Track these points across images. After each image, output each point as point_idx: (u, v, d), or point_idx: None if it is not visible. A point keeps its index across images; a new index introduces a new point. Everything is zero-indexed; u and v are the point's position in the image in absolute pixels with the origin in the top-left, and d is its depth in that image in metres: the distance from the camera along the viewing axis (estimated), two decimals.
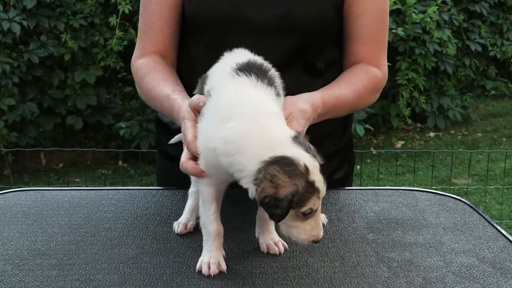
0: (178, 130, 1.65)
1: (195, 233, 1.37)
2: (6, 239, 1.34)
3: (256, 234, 1.29)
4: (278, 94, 1.23)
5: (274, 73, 1.26)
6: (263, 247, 1.27)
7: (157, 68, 1.56)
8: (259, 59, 1.26)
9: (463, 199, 1.61)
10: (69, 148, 5.47)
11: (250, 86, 1.18)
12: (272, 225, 1.27)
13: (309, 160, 1.10)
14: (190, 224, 1.39)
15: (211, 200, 1.21)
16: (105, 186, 5.01)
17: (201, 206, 1.23)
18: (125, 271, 1.20)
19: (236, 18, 1.50)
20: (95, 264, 1.23)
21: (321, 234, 1.14)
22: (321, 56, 1.59)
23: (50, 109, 5.45)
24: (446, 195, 1.64)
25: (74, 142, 5.94)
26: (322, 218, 1.42)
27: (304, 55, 1.54)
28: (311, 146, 1.14)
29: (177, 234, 1.37)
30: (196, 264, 1.22)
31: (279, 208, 1.07)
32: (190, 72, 1.55)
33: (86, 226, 1.41)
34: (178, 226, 1.39)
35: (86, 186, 4.75)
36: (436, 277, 1.20)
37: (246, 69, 1.19)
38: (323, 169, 1.67)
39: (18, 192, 1.62)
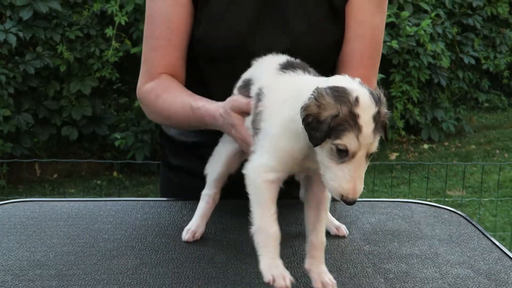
0: (184, 143, 1.66)
1: (194, 243, 1.38)
2: (6, 250, 1.35)
3: (307, 266, 1.19)
4: None
5: (310, 68, 1.28)
6: (319, 285, 1.17)
7: (170, 86, 1.52)
8: (293, 59, 1.29)
9: (458, 211, 1.63)
10: (64, 159, 5.47)
11: (304, 77, 1.20)
12: (323, 254, 1.19)
13: (364, 97, 1.03)
14: (199, 233, 1.39)
15: (273, 201, 1.14)
16: (100, 197, 5.00)
17: (256, 206, 1.14)
18: (124, 282, 1.21)
19: (241, 50, 1.50)
20: (94, 275, 1.24)
21: (355, 192, 1.04)
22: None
23: (46, 119, 5.46)
24: (441, 207, 1.66)
25: (69, 152, 5.94)
26: (343, 229, 1.43)
27: None
28: (381, 95, 1.06)
29: (185, 241, 1.37)
30: (195, 275, 1.23)
31: (319, 131, 1.02)
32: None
33: (85, 237, 1.42)
34: (187, 233, 1.39)
35: (82, 197, 4.74)
36: None
37: (290, 66, 1.22)
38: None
39: (17, 203, 1.63)
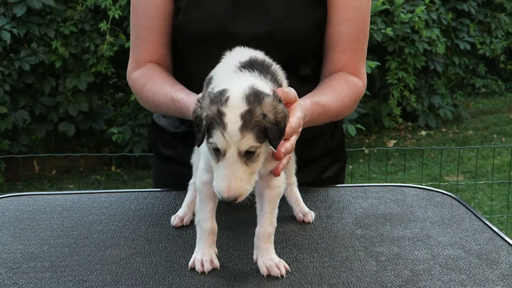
0: (174, 133, 1.68)
1: (186, 233, 1.39)
2: (0, 243, 1.35)
3: (255, 256, 1.22)
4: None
5: (276, 67, 1.30)
6: (263, 270, 1.19)
7: (154, 75, 1.58)
8: (260, 55, 1.29)
9: (450, 194, 1.64)
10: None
11: (254, 79, 1.20)
12: (271, 245, 1.22)
13: (235, 97, 1.07)
14: (187, 218, 1.42)
15: (209, 199, 1.22)
16: None
17: (197, 203, 1.24)
18: (117, 271, 1.22)
19: (221, 35, 1.52)
20: (88, 266, 1.25)
21: (229, 191, 1.07)
22: (305, 64, 1.61)
23: (42, 116, 5.46)
24: (434, 190, 1.66)
25: (66, 148, 5.95)
26: (310, 216, 1.45)
27: (288, 66, 1.56)
28: (263, 98, 1.09)
29: (173, 226, 1.41)
30: (187, 263, 1.24)
31: (200, 132, 1.09)
32: (185, 83, 1.56)
33: (79, 229, 1.43)
34: (175, 219, 1.42)
35: None
36: (423, 270, 1.22)
37: (249, 66, 1.22)
38: (312, 169, 1.69)
39: (11, 198, 1.64)
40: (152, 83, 1.56)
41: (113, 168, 5.74)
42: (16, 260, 1.28)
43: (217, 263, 1.22)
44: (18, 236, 1.39)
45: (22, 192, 5.01)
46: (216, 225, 1.24)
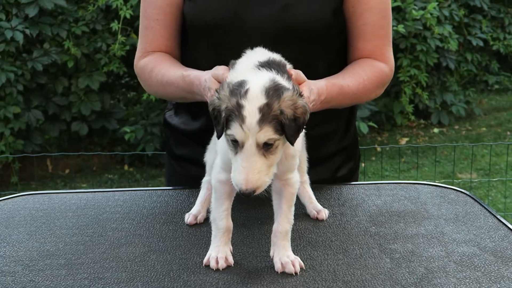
0: (187, 132, 1.69)
1: (200, 230, 1.40)
2: (16, 241, 1.37)
3: (271, 253, 1.23)
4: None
5: (291, 67, 1.32)
6: (278, 266, 1.20)
7: (162, 60, 1.60)
8: (277, 57, 1.30)
9: (464, 191, 1.63)
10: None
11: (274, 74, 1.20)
12: (288, 242, 1.23)
13: (254, 89, 1.08)
14: (201, 216, 1.43)
15: (225, 197, 1.23)
16: None
17: (213, 201, 1.25)
18: (132, 269, 1.23)
19: (234, 22, 1.52)
20: (103, 263, 1.26)
21: (247, 183, 1.07)
22: (323, 59, 1.60)
23: (55, 116, 5.49)
24: (447, 187, 1.66)
25: (79, 148, 5.98)
26: (324, 213, 1.45)
27: (304, 58, 1.56)
28: (283, 92, 1.10)
29: (187, 224, 1.41)
30: (202, 261, 1.24)
31: (219, 123, 1.09)
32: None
33: (94, 227, 1.44)
34: (189, 216, 1.43)
35: None
36: (437, 267, 1.22)
37: (267, 65, 1.22)
38: (327, 167, 1.69)
39: (26, 196, 1.65)
40: (161, 66, 1.57)
41: (125, 167, 5.77)
42: (32, 258, 1.29)
43: (231, 260, 1.23)
44: (34, 234, 1.41)
45: (36, 191, 5.05)
46: (232, 223, 1.25)
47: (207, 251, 1.25)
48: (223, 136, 1.13)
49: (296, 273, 1.19)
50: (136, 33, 5.42)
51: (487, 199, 4.67)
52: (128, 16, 5.19)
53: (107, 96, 5.68)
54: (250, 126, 1.07)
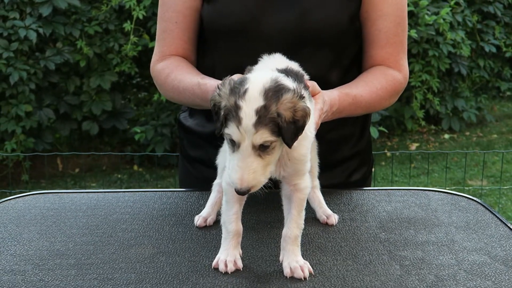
0: (201, 134, 1.69)
1: (210, 233, 1.40)
2: (26, 240, 1.38)
3: (281, 257, 1.23)
4: (311, 99, 1.27)
5: (307, 77, 1.32)
6: (287, 271, 1.20)
7: (179, 65, 1.60)
8: (295, 66, 1.31)
9: (475, 199, 1.62)
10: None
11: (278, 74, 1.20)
12: (297, 247, 1.23)
13: (253, 90, 1.08)
14: (210, 219, 1.43)
15: (235, 200, 1.23)
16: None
17: (224, 204, 1.25)
18: (141, 270, 1.23)
19: (252, 25, 1.53)
20: (112, 264, 1.26)
21: (241, 182, 1.08)
22: (338, 64, 1.60)
23: (66, 115, 5.52)
24: (458, 195, 1.65)
25: (90, 147, 6.01)
26: (334, 218, 1.44)
27: (319, 63, 1.56)
28: (282, 94, 1.09)
29: (196, 226, 1.42)
30: (211, 263, 1.24)
31: (218, 120, 1.10)
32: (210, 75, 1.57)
33: (104, 227, 1.44)
34: (198, 219, 1.43)
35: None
36: (448, 275, 1.21)
37: (285, 73, 1.20)
38: (340, 171, 1.69)
39: (37, 195, 1.66)
40: (178, 72, 1.58)
41: (135, 167, 5.78)
42: (43, 257, 1.29)
43: (240, 264, 1.23)
44: (44, 233, 1.41)
45: (46, 189, 5.09)
46: (241, 227, 1.24)
47: (216, 254, 1.25)
48: None
49: (305, 278, 1.19)
50: (148, 33, 5.45)
51: (497, 206, 4.64)
52: (141, 16, 5.21)
53: (118, 96, 5.71)
54: (246, 128, 1.07)
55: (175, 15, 1.62)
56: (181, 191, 1.69)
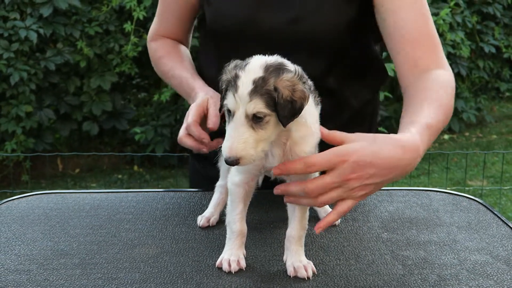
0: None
1: (213, 233, 1.40)
2: (30, 240, 1.38)
3: (284, 257, 1.24)
4: (317, 104, 1.22)
5: (310, 83, 1.22)
6: (290, 270, 1.21)
7: (171, 52, 1.69)
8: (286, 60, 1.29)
9: (476, 199, 1.63)
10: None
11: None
12: (301, 247, 1.23)
13: (253, 63, 1.10)
14: (213, 219, 1.44)
15: (239, 200, 1.23)
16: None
17: (228, 204, 1.25)
18: (146, 270, 1.24)
19: (249, 27, 1.53)
20: (116, 263, 1.27)
21: (230, 151, 1.08)
22: (335, 72, 1.56)
23: (67, 115, 5.53)
24: (460, 195, 1.66)
25: (90, 148, 6.01)
26: None
27: (315, 70, 1.54)
28: (284, 71, 1.10)
29: (200, 227, 1.42)
30: (215, 263, 1.25)
31: (222, 95, 1.13)
32: (212, 74, 1.58)
33: (107, 227, 1.45)
34: (201, 219, 1.44)
35: None
36: (450, 274, 1.22)
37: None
38: None
39: (40, 195, 1.67)
40: (168, 58, 1.67)
41: (135, 168, 5.79)
42: (47, 257, 1.30)
43: (243, 264, 1.23)
44: (48, 233, 1.42)
45: (46, 190, 5.09)
46: (246, 227, 1.25)
47: (219, 254, 1.26)
48: None
49: (308, 278, 1.20)
50: None
51: (497, 207, 4.65)
52: (141, 17, 5.21)
53: (118, 97, 5.71)
54: (242, 96, 1.08)
55: (172, 5, 1.69)
56: (183, 191, 1.69)
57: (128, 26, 5.27)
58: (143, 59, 5.53)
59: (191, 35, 1.76)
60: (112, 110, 5.59)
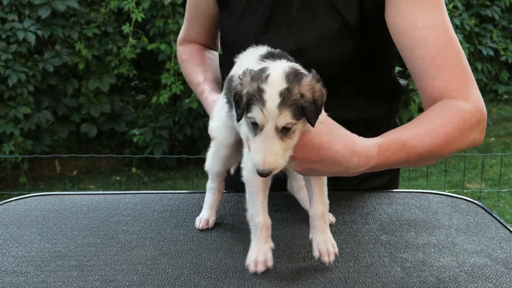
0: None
1: (211, 235, 1.40)
2: (28, 242, 1.38)
3: (310, 235, 1.25)
4: None
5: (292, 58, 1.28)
6: (316, 253, 1.24)
7: (194, 55, 1.78)
8: (279, 51, 1.31)
9: (475, 201, 1.63)
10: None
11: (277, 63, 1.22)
12: (325, 224, 1.26)
13: (275, 74, 1.11)
14: (212, 220, 1.44)
15: (258, 190, 1.23)
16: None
17: (248, 197, 1.25)
18: (143, 272, 1.23)
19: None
20: (114, 265, 1.26)
21: (264, 164, 1.09)
22: (337, 98, 1.47)
23: (65, 117, 5.52)
24: (458, 197, 1.65)
25: (88, 149, 6.00)
26: (330, 217, 1.45)
27: None
28: (302, 78, 1.11)
29: (199, 229, 1.42)
30: (212, 265, 1.24)
31: (240, 107, 1.12)
32: None
33: (105, 229, 1.44)
34: (200, 221, 1.43)
35: None
36: (449, 277, 1.22)
37: (270, 56, 1.24)
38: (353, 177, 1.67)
39: (38, 197, 1.66)
40: (189, 62, 1.77)
41: (133, 169, 5.78)
42: (44, 259, 1.29)
43: (270, 263, 1.22)
44: (45, 235, 1.41)
45: (44, 191, 5.08)
46: (269, 219, 1.24)
47: (218, 256, 1.26)
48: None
49: (330, 262, 1.24)
50: (147, 36, 5.46)
51: (495, 209, 4.65)
52: (139, 19, 5.21)
53: (117, 99, 5.71)
54: (270, 110, 1.09)
55: (193, 11, 1.76)
56: (181, 193, 1.69)
57: (126, 28, 5.27)
58: (141, 61, 5.53)
59: (218, 40, 1.81)
60: (111, 112, 5.58)
